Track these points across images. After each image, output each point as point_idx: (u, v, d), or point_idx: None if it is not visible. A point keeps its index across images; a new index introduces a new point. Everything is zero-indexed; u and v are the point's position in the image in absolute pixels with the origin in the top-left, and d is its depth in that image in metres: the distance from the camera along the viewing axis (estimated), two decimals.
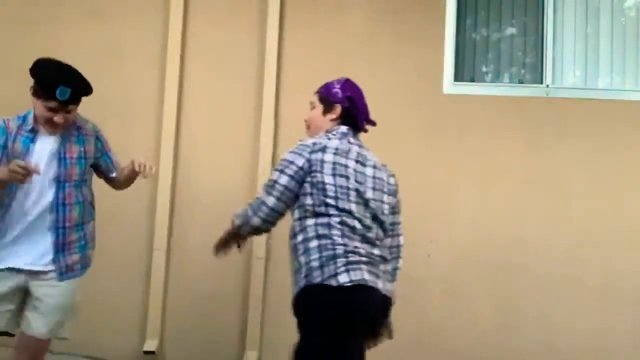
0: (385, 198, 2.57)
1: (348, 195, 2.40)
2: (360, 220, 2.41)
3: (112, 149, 3.09)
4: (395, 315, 4.14)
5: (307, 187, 2.41)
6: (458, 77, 4.32)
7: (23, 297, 2.79)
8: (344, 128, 2.58)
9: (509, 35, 4.49)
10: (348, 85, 2.66)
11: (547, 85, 4.27)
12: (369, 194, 2.47)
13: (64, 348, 4.20)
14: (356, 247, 2.36)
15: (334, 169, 2.41)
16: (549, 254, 4.11)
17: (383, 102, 4.28)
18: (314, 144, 2.47)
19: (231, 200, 4.25)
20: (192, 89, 4.35)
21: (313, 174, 2.40)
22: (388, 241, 2.59)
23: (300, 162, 2.42)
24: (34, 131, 2.80)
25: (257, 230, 2.57)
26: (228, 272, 4.22)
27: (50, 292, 2.76)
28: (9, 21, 4.49)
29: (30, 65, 2.56)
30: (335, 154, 2.44)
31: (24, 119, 2.84)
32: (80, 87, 2.74)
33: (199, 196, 4.26)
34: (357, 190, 2.43)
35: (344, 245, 2.35)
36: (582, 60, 4.38)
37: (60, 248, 2.78)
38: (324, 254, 2.33)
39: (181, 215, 4.28)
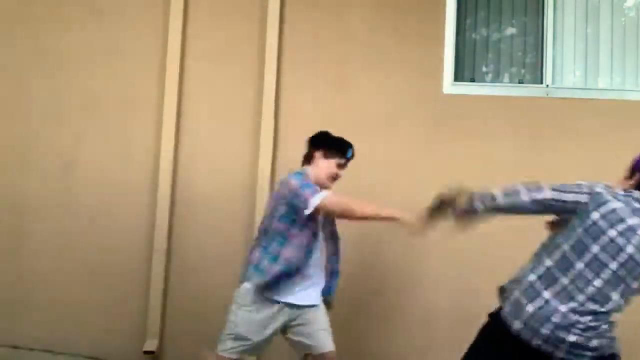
0: (633, 284, 2.48)
1: (582, 254, 2.41)
2: (586, 283, 2.40)
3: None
4: (396, 314, 4.16)
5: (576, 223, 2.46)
6: (458, 77, 4.32)
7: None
8: (637, 194, 2.55)
9: (509, 35, 4.49)
10: None
11: (547, 85, 4.27)
12: (614, 266, 2.41)
13: (64, 348, 4.22)
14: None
15: (589, 226, 2.43)
16: None
17: (383, 102, 4.30)
18: (603, 202, 2.46)
19: (231, 200, 4.26)
20: (192, 89, 4.35)
21: (579, 218, 2.46)
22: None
23: (583, 199, 2.50)
24: None
25: (503, 210, 2.64)
26: (228, 272, 4.20)
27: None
28: (8, 21, 4.49)
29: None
30: (602, 217, 2.43)
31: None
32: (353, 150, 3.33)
33: (199, 196, 4.26)
34: (598, 259, 2.40)
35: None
36: (582, 60, 4.38)
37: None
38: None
39: (181, 216, 4.28)
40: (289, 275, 3.07)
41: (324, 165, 3.27)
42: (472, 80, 4.39)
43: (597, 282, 2.39)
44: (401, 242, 4.21)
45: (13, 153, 4.40)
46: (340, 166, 3.29)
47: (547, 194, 2.59)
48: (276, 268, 3.06)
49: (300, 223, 3.07)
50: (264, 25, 4.30)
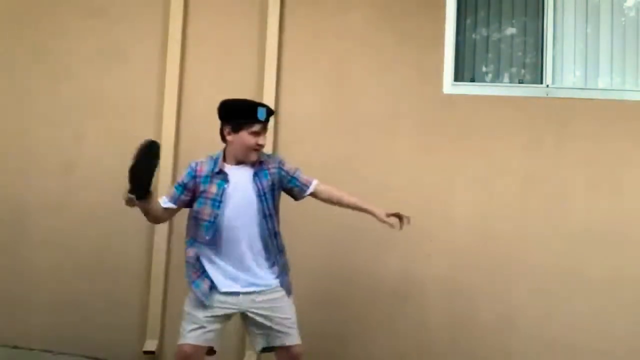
0: None
1: None
2: None
3: (299, 168, 3.19)
4: (395, 315, 4.16)
5: None
6: (458, 77, 4.32)
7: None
8: None
9: (509, 35, 4.49)
10: None
11: (547, 85, 4.27)
12: None
13: (64, 348, 4.22)
14: None
15: None
16: (549, 253, 4.11)
17: (383, 102, 4.30)
18: None
19: None
20: (192, 89, 4.35)
21: None
22: None
23: None
24: (223, 173, 3.02)
25: None
26: None
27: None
28: (9, 21, 4.49)
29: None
30: None
31: (216, 162, 3.06)
32: (267, 106, 3.03)
33: None
34: None
35: None
36: (582, 60, 4.38)
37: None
38: None
39: (181, 215, 4.27)
40: (197, 259, 3.05)
41: (235, 142, 2.99)
42: (472, 80, 4.39)
43: None
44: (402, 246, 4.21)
45: (13, 153, 4.40)
46: (256, 133, 2.97)
47: None
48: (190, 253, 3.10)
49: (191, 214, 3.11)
50: (264, 25, 4.30)
